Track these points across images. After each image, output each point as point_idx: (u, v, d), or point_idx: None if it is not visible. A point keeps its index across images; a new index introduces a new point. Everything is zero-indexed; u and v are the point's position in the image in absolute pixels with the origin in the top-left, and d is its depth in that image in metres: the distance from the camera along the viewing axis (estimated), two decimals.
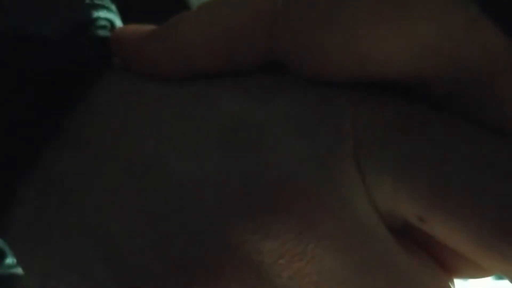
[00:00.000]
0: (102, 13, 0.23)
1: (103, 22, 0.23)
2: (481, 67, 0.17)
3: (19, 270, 0.22)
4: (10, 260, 0.22)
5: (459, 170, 0.17)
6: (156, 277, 0.18)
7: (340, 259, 0.18)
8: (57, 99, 0.21)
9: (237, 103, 0.20)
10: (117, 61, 0.23)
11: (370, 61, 0.18)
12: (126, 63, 0.22)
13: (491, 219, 0.17)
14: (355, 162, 0.18)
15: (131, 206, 0.19)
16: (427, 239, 0.19)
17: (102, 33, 0.23)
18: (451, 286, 0.19)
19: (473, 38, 0.17)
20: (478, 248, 0.17)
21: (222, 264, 0.18)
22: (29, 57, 0.20)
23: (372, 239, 0.18)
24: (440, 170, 0.17)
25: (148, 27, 0.22)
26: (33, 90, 0.20)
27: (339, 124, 0.19)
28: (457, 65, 0.18)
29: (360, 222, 0.18)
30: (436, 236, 0.18)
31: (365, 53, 0.18)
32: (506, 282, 0.19)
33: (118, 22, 0.24)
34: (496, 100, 0.18)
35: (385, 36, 0.17)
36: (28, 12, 0.21)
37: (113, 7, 0.24)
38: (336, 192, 0.18)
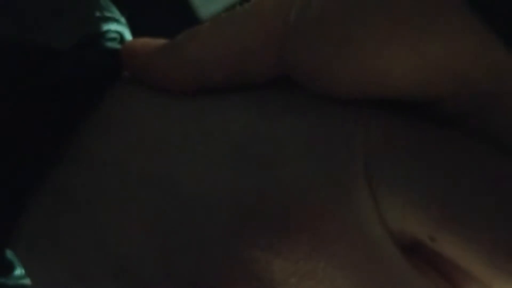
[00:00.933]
0: (112, 26, 0.23)
1: (113, 35, 0.23)
2: (493, 88, 0.17)
3: (27, 281, 0.22)
4: (18, 271, 0.22)
5: (471, 191, 0.17)
6: None
7: (350, 278, 0.18)
8: (66, 112, 0.21)
9: (247, 118, 0.20)
10: (126, 74, 0.23)
11: (383, 79, 0.18)
12: (136, 77, 0.22)
13: (503, 241, 0.16)
14: (366, 180, 0.18)
15: (140, 221, 0.19)
16: (436, 256, 0.18)
17: (112, 45, 0.23)
18: None
19: (486, 59, 0.17)
20: (488, 269, 0.17)
21: (232, 282, 0.18)
22: (38, 69, 0.20)
23: (382, 257, 0.18)
24: (452, 191, 0.17)
25: (158, 41, 0.22)
26: (42, 103, 0.20)
27: (350, 142, 0.18)
28: (470, 86, 0.17)
29: (371, 240, 0.18)
30: (446, 255, 0.18)
31: (378, 72, 0.18)
32: None
33: (128, 35, 0.24)
34: (509, 121, 0.18)
35: (399, 55, 0.17)
36: (37, 23, 0.21)
37: (122, 19, 0.24)
38: (347, 210, 0.18)
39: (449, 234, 0.17)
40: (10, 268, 0.22)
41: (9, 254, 0.21)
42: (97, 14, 0.23)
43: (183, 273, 0.18)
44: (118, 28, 0.23)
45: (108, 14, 0.23)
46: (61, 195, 0.20)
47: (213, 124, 0.20)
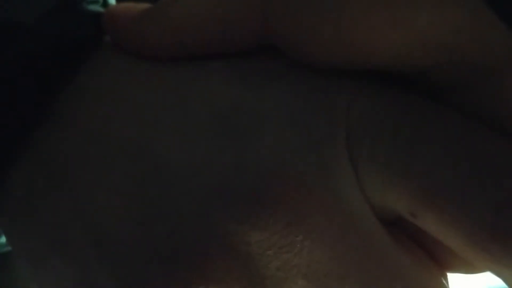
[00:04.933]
0: None
1: None
2: (481, 61, 0.17)
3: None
4: (3, 239, 0.22)
5: (452, 167, 0.17)
6: (141, 264, 0.18)
7: (329, 252, 0.17)
8: (44, 78, 0.20)
9: (230, 87, 0.19)
10: (108, 39, 0.22)
11: (365, 50, 0.17)
12: (117, 43, 0.21)
13: (483, 219, 0.16)
14: (347, 153, 0.18)
15: (118, 191, 0.19)
16: (420, 232, 0.18)
17: (93, 8, 0.22)
18: (444, 280, 0.19)
19: (473, 30, 0.16)
20: (468, 248, 0.17)
21: (207, 254, 0.17)
22: (5, 43, 0.20)
23: (362, 231, 0.18)
24: (433, 166, 0.17)
25: (141, 6, 0.21)
26: (18, 72, 0.20)
27: (333, 114, 0.18)
28: (456, 57, 0.17)
29: (351, 214, 0.18)
30: (428, 231, 0.18)
31: (359, 40, 0.17)
32: None
33: None
34: (496, 95, 0.17)
35: (380, 23, 0.17)
36: None
37: None
38: (327, 183, 0.17)
39: (430, 211, 0.17)
40: None
41: None
42: None
43: (161, 245, 0.18)
44: None
45: None
46: (39, 165, 0.20)
47: (193, 93, 0.19)
